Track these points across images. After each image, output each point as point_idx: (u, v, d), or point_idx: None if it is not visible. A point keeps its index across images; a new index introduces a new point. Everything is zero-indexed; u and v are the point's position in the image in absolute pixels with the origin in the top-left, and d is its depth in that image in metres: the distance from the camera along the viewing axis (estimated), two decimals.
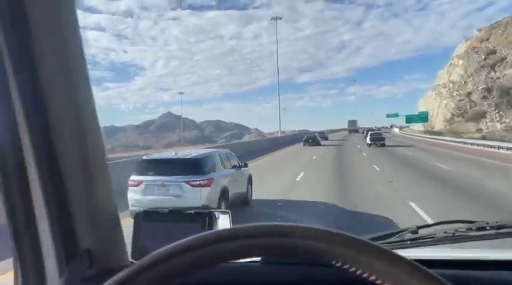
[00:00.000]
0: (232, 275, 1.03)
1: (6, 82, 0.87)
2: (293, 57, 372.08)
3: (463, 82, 72.82)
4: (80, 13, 0.95)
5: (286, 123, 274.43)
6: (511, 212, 8.88)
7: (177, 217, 1.02)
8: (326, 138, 55.98)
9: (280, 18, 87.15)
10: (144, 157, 9.53)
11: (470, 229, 1.30)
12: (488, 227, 1.29)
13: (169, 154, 10.03)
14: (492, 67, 72.14)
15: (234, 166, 10.56)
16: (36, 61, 0.86)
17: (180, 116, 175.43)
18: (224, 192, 9.27)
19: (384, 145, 38.39)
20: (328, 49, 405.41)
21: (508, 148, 26.81)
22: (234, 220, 1.09)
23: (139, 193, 8.51)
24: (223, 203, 9.07)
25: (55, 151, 0.91)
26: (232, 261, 0.63)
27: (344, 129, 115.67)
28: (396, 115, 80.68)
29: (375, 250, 0.55)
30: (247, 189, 10.98)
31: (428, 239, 1.26)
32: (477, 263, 1.12)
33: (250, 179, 11.31)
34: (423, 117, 69.78)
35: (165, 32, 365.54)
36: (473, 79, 71.78)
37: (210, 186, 8.75)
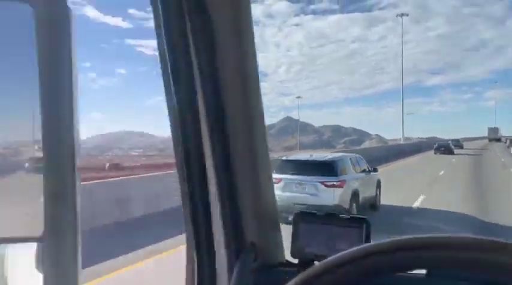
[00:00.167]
0: None
1: (193, 84, 0.95)
2: (422, 58, 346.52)
3: None
4: None
5: (411, 129, 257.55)
6: None
7: (333, 220, 1.05)
8: (461, 147, 50.18)
9: (407, 15, 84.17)
10: (283, 158, 10.69)
11: None
12: None
13: (305, 156, 11.14)
14: None
15: (364, 170, 11.05)
16: (217, 65, 0.94)
17: (298, 120, 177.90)
18: (355, 194, 9.85)
19: None
20: (463, 50, 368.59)
21: None
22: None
23: (279, 190, 9.46)
24: (354, 205, 9.68)
25: (228, 146, 0.98)
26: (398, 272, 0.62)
27: (481, 138, 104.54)
28: None
29: None
30: (376, 193, 11.34)
31: None
32: None
33: (379, 184, 11.56)
34: None
35: (288, 38, 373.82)
36: None
37: (342, 187, 9.45)
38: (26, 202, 0.59)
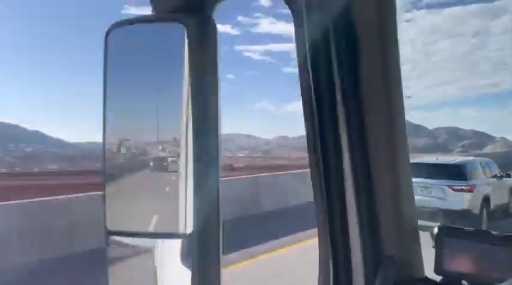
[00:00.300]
0: None
1: (332, 87, 0.92)
2: None
3: None
4: None
5: None
6: None
7: (485, 237, 0.96)
8: None
9: None
10: None
11: None
12: None
13: (432, 159, 10.90)
14: None
15: (495, 176, 10.49)
16: (359, 70, 0.91)
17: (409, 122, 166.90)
18: (486, 200, 9.47)
19: None
20: None
21: None
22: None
23: None
24: (484, 211, 9.29)
25: (368, 152, 0.94)
26: None
27: None
28: None
29: None
30: (509, 200, 10.67)
31: None
32: None
33: None
34: None
35: (398, 35, 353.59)
36: None
37: (472, 192, 9.15)
38: (173, 199, 0.62)
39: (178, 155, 0.62)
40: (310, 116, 0.95)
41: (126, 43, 0.67)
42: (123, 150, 0.68)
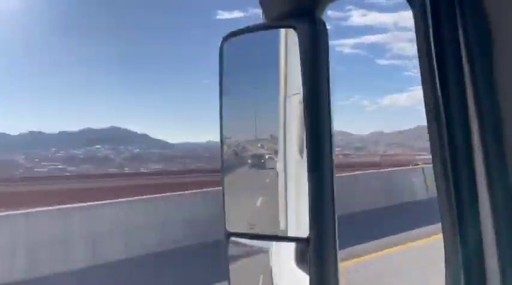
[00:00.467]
0: None
1: (463, 82, 0.90)
2: None
3: None
4: None
5: None
6: None
7: None
8: None
9: None
10: None
11: None
12: None
13: None
14: None
15: None
16: (493, 62, 0.88)
17: None
18: None
19: None
20: None
21: None
22: None
23: None
24: None
25: (504, 153, 0.90)
26: None
27: None
28: None
29: None
30: None
31: None
32: None
33: None
34: None
35: None
36: None
37: None
38: (285, 201, 0.65)
39: (276, 152, 0.67)
40: (434, 116, 0.90)
41: (241, 50, 0.73)
42: (239, 152, 0.73)
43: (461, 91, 0.88)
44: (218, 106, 0.72)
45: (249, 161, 0.71)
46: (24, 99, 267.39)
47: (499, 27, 0.84)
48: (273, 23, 0.71)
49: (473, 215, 0.91)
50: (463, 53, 0.85)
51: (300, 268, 0.62)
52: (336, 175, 0.65)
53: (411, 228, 8.34)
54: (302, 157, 0.62)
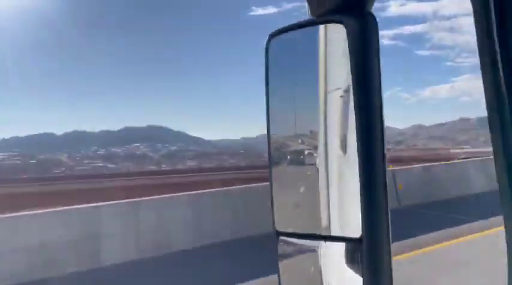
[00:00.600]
0: None
1: None
2: None
3: None
4: None
5: None
6: None
7: None
8: None
9: None
10: None
11: None
12: None
13: None
14: None
15: None
16: None
17: None
18: None
19: None
20: None
21: None
22: None
23: None
24: None
25: None
26: None
27: None
28: None
29: None
30: None
31: None
32: None
33: None
34: None
35: None
36: None
37: None
38: (332, 200, 0.64)
39: (315, 148, 0.66)
40: (497, 108, 0.79)
41: (287, 47, 0.72)
42: (286, 150, 0.72)
43: None
44: (264, 104, 0.72)
45: (297, 159, 0.70)
46: (70, 100, 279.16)
47: None
48: (320, 18, 0.68)
49: None
50: None
51: (351, 268, 0.61)
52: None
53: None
54: (345, 153, 0.62)
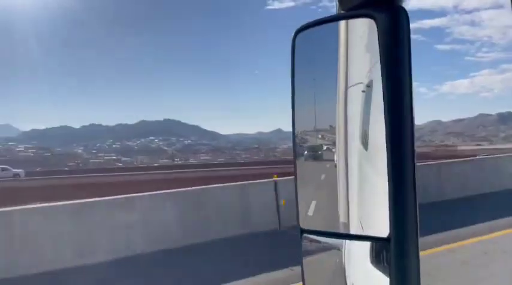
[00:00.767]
0: None
1: None
2: None
3: None
4: None
5: None
6: None
7: None
8: None
9: None
10: None
11: None
12: None
13: None
14: None
15: None
16: None
17: None
18: None
19: None
20: None
21: None
22: None
23: None
24: None
25: None
26: None
27: None
28: None
29: None
30: None
31: None
32: None
33: None
34: None
35: None
36: None
37: None
38: (352, 197, 0.64)
39: (334, 143, 0.66)
40: None
41: (313, 43, 0.71)
42: (311, 147, 0.71)
43: None
44: (289, 99, 0.73)
45: (321, 155, 0.70)
46: (88, 93, 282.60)
47: None
48: (350, 13, 0.67)
49: None
50: None
51: (377, 268, 0.60)
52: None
53: None
54: (366, 149, 0.62)
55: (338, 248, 0.68)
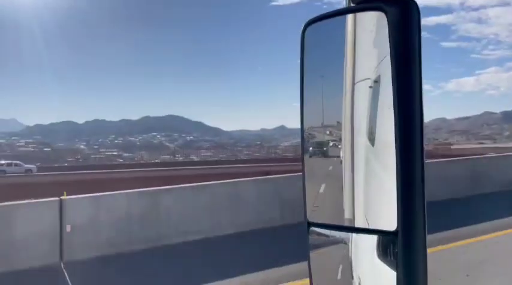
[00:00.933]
0: None
1: None
2: None
3: None
4: None
5: None
6: None
7: None
8: None
9: None
10: None
11: None
12: None
13: None
14: None
15: None
16: None
17: None
18: None
19: None
20: None
21: None
22: None
23: None
24: None
25: None
26: None
27: None
28: None
29: None
30: None
31: None
32: None
33: None
34: None
35: None
36: None
37: None
38: (358, 191, 0.64)
39: (340, 139, 0.66)
40: None
41: (323, 36, 0.71)
42: (320, 142, 0.71)
43: None
44: (299, 96, 0.72)
45: (328, 151, 0.70)
46: (92, 89, 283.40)
47: None
48: (360, 5, 0.66)
49: None
50: None
51: (384, 261, 0.60)
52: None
53: None
54: (373, 145, 0.62)
55: (345, 242, 0.67)
